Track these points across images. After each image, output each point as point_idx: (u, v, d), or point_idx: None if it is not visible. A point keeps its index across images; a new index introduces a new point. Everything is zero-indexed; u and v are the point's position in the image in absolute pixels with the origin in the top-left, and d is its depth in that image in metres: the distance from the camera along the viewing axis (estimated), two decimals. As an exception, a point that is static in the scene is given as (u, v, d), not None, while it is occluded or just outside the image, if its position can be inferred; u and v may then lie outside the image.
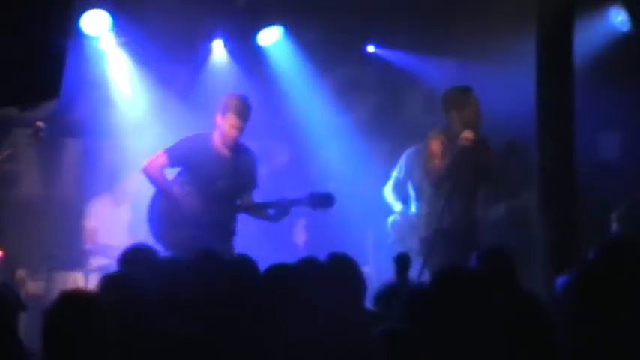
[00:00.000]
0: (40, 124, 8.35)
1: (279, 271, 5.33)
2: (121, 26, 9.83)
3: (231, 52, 10.60)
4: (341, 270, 5.66)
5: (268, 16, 10.32)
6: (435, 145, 8.49)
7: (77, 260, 9.55)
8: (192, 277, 5.51)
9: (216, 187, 8.27)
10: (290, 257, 6.54)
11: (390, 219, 9.57)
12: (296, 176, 10.95)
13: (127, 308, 4.91)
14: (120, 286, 5.17)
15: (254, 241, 9.60)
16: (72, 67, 7.30)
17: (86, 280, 9.37)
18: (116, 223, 9.80)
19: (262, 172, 11.11)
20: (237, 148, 8.43)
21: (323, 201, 8.35)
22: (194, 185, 8.28)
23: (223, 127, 8.27)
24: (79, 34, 9.31)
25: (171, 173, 8.46)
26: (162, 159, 8.29)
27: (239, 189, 8.45)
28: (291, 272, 5.36)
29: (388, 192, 9.44)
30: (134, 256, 6.25)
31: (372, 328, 5.02)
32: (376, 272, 10.03)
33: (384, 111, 11.14)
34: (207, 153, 8.32)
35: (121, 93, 10.34)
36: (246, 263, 5.61)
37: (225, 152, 8.37)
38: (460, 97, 8.47)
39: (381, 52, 10.93)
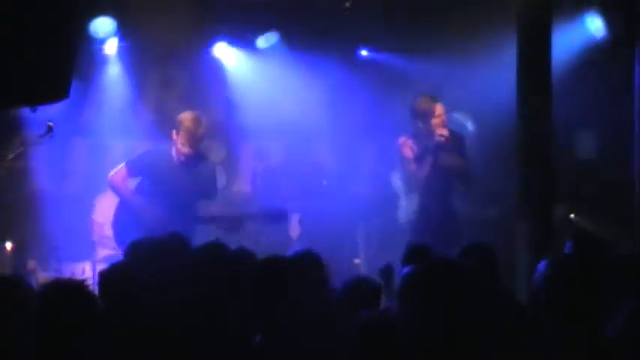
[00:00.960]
0: (51, 123, 8.49)
1: (274, 262, 5.45)
2: (125, 32, 9.92)
3: (230, 55, 10.70)
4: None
5: (265, 21, 10.42)
6: (408, 151, 8.67)
7: (85, 252, 9.63)
8: (193, 267, 5.61)
9: (174, 195, 8.39)
10: (285, 250, 6.70)
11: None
12: (290, 174, 11.05)
13: (124, 300, 5.00)
14: (117, 279, 5.25)
15: (252, 235, 9.76)
16: (80, 70, 7.41)
17: (93, 270, 9.45)
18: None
19: (258, 169, 11.30)
20: (197, 157, 8.53)
21: (275, 217, 8.60)
22: (154, 194, 8.42)
23: (177, 143, 8.39)
24: (87, 39, 9.40)
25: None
26: (123, 171, 8.46)
27: (198, 197, 8.57)
28: (285, 264, 5.49)
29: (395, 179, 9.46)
30: (139, 249, 6.39)
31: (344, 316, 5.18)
32: (366, 264, 10.16)
33: (374, 112, 11.23)
34: (165, 163, 8.44)
35: (127, 95, 10.44)
36: (244, 256, 5.73)
37: (184, 162, 8.46)
38: (427, 106, 8.62)
39: (371, 55, 11.03)
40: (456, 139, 8.88)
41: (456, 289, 3.73)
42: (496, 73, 9.48)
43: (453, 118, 9.52)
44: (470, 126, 9.87)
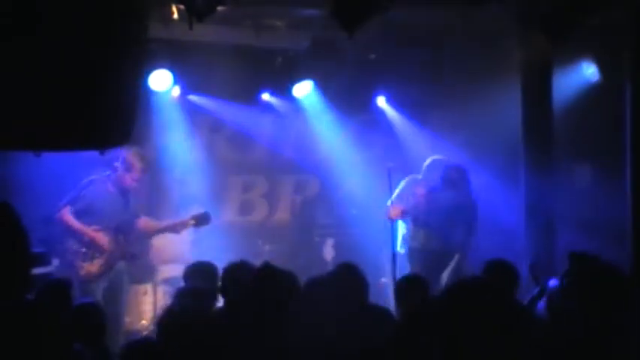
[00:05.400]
0: (117, 163, 8.48)
1: (314, 283, 5.45)
2: (181, 82, 9.94)
3: (274, 102, 10.73)
4: (346, 274, 5.80)
5: (301, 72, 10.43)
6: (420, 190, 8.93)
7: (148, 274, 9.60)
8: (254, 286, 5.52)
9: (115, 221, 8.40)
10: (321, 271, 6.64)
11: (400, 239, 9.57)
12: (325, 203, 11.01)
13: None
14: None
15: (292, 258, 9.70)
16: (140, 116, 7.40)
17: (154, 290, 9.45)
18: (179, 243, 9.84)
19: (297, 200, 11.28)
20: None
21: (202, 219, 8.64)
22: (98, 223, 8.34)
23: (125, 179, 8.44)
24: (146, 89, 9.41)
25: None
26: (68, 207, 8.34)
27: (132, 219, 8.57)
28: (322, 284, 5.47)
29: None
30: (195, 272, 6.35)
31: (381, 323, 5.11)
32: (392, 283, 10.06)
33: (396, 149, 11.17)
34: (102, 195, 8.41)
35: (182, 137, 10.44)
36: (290, 277, 5.72)
37: (115, 191, 8.48)
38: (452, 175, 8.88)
39: (388, 107, 10.99)
40: (460, 180, 8.90)
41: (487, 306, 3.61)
42: (503, 114, 9.43)
43: None
44: None
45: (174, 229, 8.81)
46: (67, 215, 8.27)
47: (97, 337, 5.14)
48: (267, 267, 5.55)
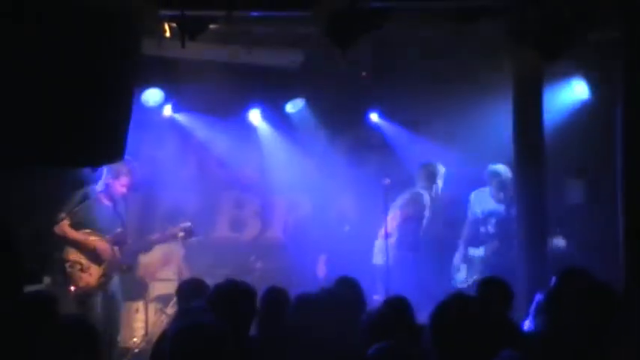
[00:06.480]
0: (101, 181, 8.52)
1: (305, 299, 5.44)
2: (173, 99, 9.95)
3: (265, 118, 10.72)
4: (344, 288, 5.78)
5: (293, 89, 10.44)
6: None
7: (139, 291, 9.57)
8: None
9: (110, 233, 8.49)
10: (313, 287, 6.63)
11: None
12: (317, 222, 10.98)
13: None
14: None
15: (284, 274, 9.67)
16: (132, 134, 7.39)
17: (146, 308, 9.42)
18: (170, 260, 9.83)
19: (289, 219, 11.25)
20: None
21: (190, 231, 8.88)
22: (94, 235, 8.42)
23: (115, 187, 8.55)
24: (138, 106, 9.41)
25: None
26: (67, 220, 8.38)
27: (124, 231, 8.65)
28: (314, 300, 5.47)
29: None
30: (188, 290, 6.32)
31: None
32: (384, 299, 10.04)
33: (389, 165, 11.18)
34: (97, 208, 8.51)
35: (173, 154, 10.44)
36: (279, 293, 5.71)
37: (109, 204, 8.58)
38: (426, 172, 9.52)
39: (381, 122, 10.98)
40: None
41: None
42: (495, 129, 9.45)
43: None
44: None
45: (164, 240, 8.90)
46: (67, 227, 8.33)
47: (87, 354, 5.09)
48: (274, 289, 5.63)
